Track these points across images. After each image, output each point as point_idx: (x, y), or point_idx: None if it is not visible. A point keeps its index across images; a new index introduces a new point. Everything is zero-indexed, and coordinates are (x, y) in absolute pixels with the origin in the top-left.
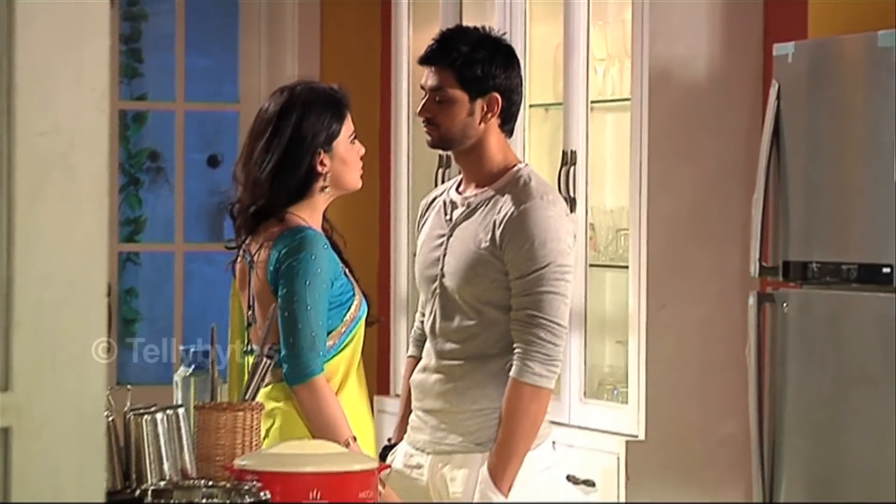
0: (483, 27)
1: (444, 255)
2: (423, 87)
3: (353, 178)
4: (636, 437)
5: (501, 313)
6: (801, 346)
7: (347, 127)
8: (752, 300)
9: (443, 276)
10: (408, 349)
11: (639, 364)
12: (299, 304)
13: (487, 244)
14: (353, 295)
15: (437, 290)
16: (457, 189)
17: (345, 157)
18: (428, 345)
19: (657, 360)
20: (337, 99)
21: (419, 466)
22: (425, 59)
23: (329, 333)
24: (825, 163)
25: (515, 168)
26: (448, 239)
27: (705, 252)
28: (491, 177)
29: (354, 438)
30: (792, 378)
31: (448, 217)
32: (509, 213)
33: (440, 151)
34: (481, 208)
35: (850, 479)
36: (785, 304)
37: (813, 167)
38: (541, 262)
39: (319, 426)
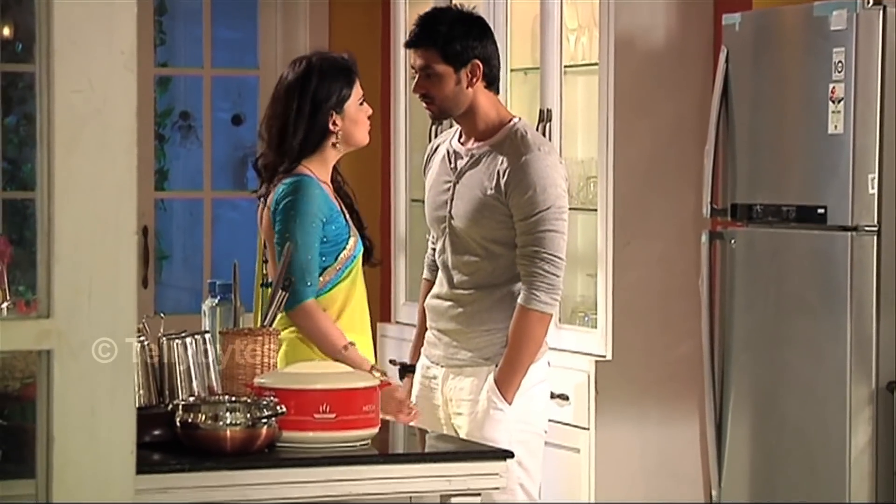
0: (456, 6)
1: (452, 200)
2: (412, 67)
3: (362, 135)
4: (604, 357)
5: (505, 249)
6: (747, 277)
7: (357, 91)
8: (704, 237)
9: (451, 217)
10: (423, 273)
11: (606, 294)
12: (291, 241)
13: (492, 191)
14: (349, 237)
15: (447, 230)
16: (459, 140)
17: (354, 118)
18: (440, 275)
19: (622, 290)
20: (347, 66)
21: (434, 377)
22: (410, 44)
23: (325, 269)
24: (767, 118)
25: (511, 123)
26: (455, 185)
27: (664, 196)
28: (488, 131)
29: (352, 343)
30: (739, 305)
31: (452, 166)
32: (512, 164)
33: (430, 118)
34: (484, 159)
35: (788, 391)
36: (733, 241)
37: (757, 122)
38: (542, 206)
39: (317, 340)
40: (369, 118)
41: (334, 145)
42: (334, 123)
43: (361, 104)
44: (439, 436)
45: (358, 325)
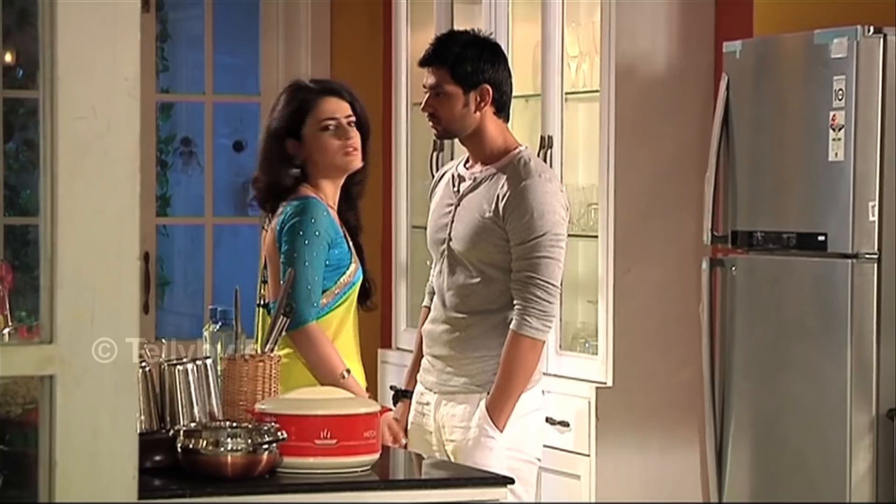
0: (472, 30)
1: (452, 222)
2: (424, 86)
3: (333, 160)
4: (605, 383)
5: (501, 273)
6: (747, 304)
7: (316, 115)
8: (704, 264)
9: (450, 239)
10: (423, 300)
11: (607, 320)
12: (298, 261)
13: (491, 214)
14: (350, 263)
15: (446, 252)
16: (465, 165)
17: (318, 144)
18: (436, 299)
19: (623, 316)
20: (301, 92)
21: (427, 403)
22: (424, 62)
23: (324, 292)
24: (768, 145)
25: (516, 150)
26: (456, 208)
27: (665, 223)
28: (493, 156)
29: (349, 371)
30: (739, 331)
31: (456, 189)
32: (511, 188)
33: (435, 138)
34: (485, 183)
35: (789, 417)
36: (733, 268)
37: (758, 149)
38: (538, 231)
39: (316, 364)
40: (350, 141)
41: (311, 173)
42: (296, 151)
43: (326, 129)
44: (438, 461)
45: (351, 351)
